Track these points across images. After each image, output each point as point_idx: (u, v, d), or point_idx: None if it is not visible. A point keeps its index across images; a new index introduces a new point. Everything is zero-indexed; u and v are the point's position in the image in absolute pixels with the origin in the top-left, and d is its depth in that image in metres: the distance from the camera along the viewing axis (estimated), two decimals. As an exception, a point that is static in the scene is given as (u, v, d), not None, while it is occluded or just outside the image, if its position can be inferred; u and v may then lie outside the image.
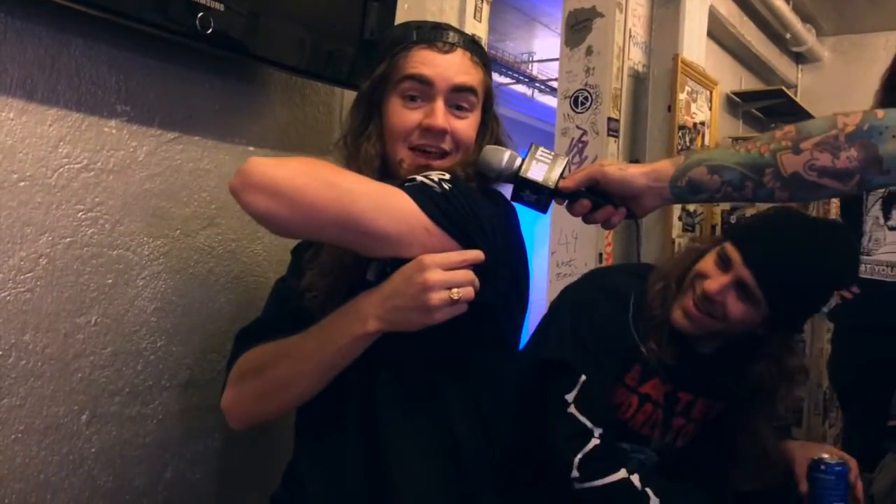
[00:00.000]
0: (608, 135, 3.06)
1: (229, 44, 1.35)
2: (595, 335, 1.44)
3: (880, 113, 1.05)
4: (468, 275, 1.05)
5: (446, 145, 1.20)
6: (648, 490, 1.35)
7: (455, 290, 1.03)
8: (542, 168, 1.14)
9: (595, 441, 1.36)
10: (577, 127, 3.11)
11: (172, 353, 1.40)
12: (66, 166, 1.24)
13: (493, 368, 1.24)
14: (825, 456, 1.45)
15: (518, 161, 1.15)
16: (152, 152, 1.36)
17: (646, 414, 1.49)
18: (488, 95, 1.26)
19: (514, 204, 1.19)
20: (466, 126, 1.21)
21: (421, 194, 1.05)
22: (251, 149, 1.52)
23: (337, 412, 1.19)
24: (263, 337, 1.20)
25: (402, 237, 1.04)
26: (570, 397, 1.38)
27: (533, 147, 1.16)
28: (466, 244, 1.07)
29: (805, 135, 1.08)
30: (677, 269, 1.48)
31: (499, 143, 1.27)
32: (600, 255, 3.02)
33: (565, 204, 1.18)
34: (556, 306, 1.56)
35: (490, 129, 1.26)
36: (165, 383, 1.39)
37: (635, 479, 1.35)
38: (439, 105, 1.18)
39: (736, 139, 3.77)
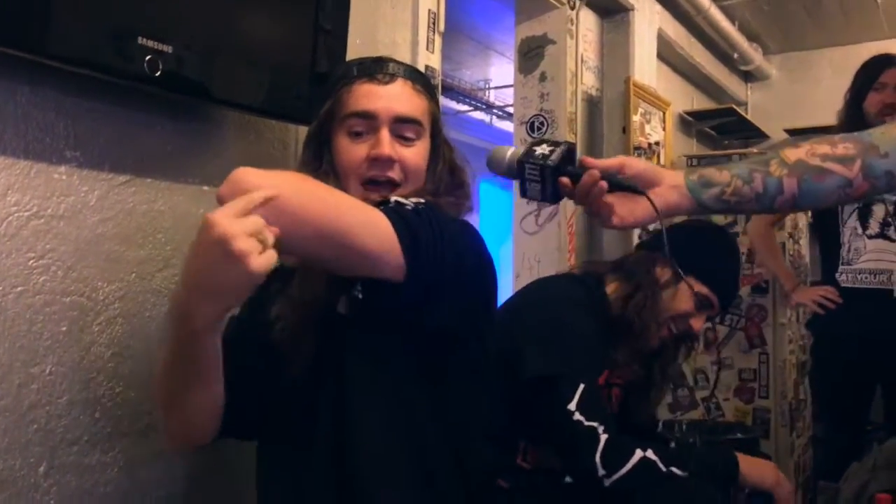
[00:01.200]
0: (565, 158, 3.10)
1: (179, 85, 1.35)
2: (576, 343, 1.54)
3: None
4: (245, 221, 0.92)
5: (395, 174, 1.21)
6: (674, 469, 1.44)
7: (262, 236, 0.91)
8: (545, 149, 1.13)
9: (604, 436, 1.43)
10: (535, 152, 3.14)
11: (131, 399, 1.37)
12: (16, 214, 1.22)
13: (467, 392, 1.24)
14: None
15: (522, 147, 1.15)
16: (104, 196, 1.34)
17: None
18: (435, 122, 1.27)
19: (524, 198, 1.21)
20: (414, 154, 1.23)
21: (395, 213, 1.07)
22: (206, 188, 1.52)
23: (303, 439, 1.16)
24: None
25: (382, 255, 1.04)
26: (572, 406, 1.45)
27: (538, 139, 1.17)
28: (422, 258, 1.06)
29: (800, 140, 1.21)
30: (650, 306, 1.66)
31: (453, 167, 1.29)
32: (563, 277, 3.04)
33: (571, 187, 1.13)
34: (521, 322, 1.61)
35: (442, 155, 1.28)
36: (125, 430, 1.36)
37: (650, 453, 1.44)
38: (384, 135, 1.20)
39: (690, 157, 3.84)
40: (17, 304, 1.22)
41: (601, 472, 1.41)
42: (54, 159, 1.27)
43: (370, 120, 1.20)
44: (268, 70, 1.51)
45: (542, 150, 1.13)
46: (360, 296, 1.11)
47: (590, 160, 1.13)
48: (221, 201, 0.99)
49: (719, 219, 3.03)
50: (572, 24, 3.14)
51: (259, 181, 0.98)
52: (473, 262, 1.17)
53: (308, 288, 1.15)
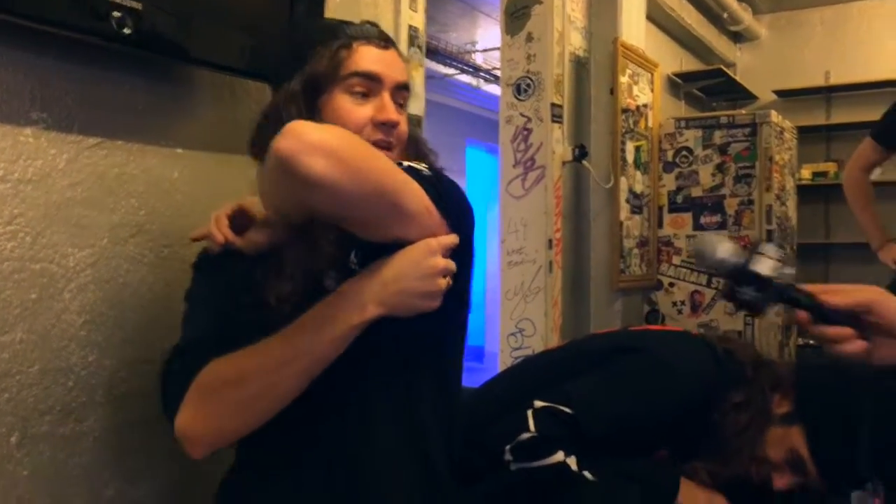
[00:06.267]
0: (552, 121, 3.06)
1: (149, 44, 1.30)
2: (631, 417, 1.38)
3: None
4: (451, 262, 1.06)
5: (393, 139, 1.20)
6: (586, 472, 1.31)
7: (447, 277, 1.05)
8: (768, 265, 1.09)
9: (531, 433, 1.31)
10: (522, 115, 3.10)
11: (105, 367, 1.35)
12: (-20, 178, 1.18)
13: (456, 361, 1.24)
14: None
15: (744, 254, 1.10)
16: (73, 159, 1.30)
17: None
18: None
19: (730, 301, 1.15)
20: (405, 121, 1.23)
21: (418, 176, 1.06)
22: (179, 150, 1.47)
23: (298, 414, 1.11)
24: (215, 352, 1.10)
25: (418, 216, 1.04)
26: (539, 403, 1.34)
27: (762, 243, 1.13)
28: (454, 228, 1.09)
29: None
30: (752, 435, 1.37)
31: (416, 137, 1.27)
32: (550, 241, 3.02)
33: (784, 308, 1.09)
34: (612, 356, 1.47)
35: (410, 125, 1.28)
36: (100, 399, 1.34)
37: (572, 461, 1.31)
38: (388, 99, 1.18)
39: (679, 120, 3.80)
40: (-16, 271, 1.18)
41: (507, 456, 1.31)
42: (21, 121, 1.23)
43: (375, 83, 1.18)
44: (242, 29, 1.46)
45: (766, 261, 1.08)
46: (356, 267, 1.08)
47: (829, 299, 1.04)
48: (280, 155, 0.94)
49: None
50: (559, -17, 3.08)
51: (326, 134, 0.97)
52: (470, 224, 1.17)
53: (309, 259, 1.10)
